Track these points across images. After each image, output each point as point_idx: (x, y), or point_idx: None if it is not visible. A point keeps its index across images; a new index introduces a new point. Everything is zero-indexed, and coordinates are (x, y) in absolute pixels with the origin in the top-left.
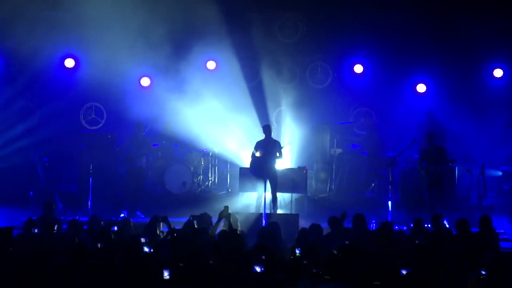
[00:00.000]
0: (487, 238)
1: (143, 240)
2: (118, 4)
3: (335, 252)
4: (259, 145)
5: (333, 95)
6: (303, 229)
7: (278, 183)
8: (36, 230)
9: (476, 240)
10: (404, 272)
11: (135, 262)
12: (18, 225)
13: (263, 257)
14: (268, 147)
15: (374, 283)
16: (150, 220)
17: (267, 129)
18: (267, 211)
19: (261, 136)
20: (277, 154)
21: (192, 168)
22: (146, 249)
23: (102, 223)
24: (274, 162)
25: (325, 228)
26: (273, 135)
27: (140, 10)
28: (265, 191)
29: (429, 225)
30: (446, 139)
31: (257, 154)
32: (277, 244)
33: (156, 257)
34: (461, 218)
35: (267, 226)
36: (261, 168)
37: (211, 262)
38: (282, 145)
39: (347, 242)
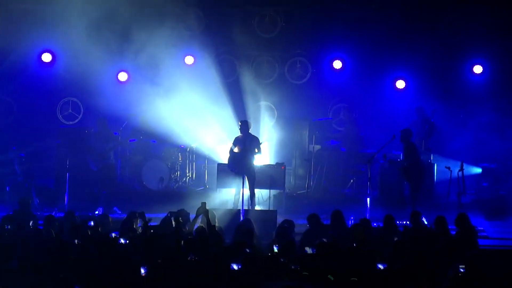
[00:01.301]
0: (465, 235)
1: (113, 235)
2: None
3: (314, 248)
4: (237, 141)
5: (312, 90)
6: (282, 225)
7: (256, 179)
8: (8, 227)
9: (454, 237)
10: (381, 266)
11: (112, 258)
12: None
13: (242, 253)
14: (246, 143)
15: (352, 279)
16: (127, 216)
17: (245, 124)
18: (245, 208)
19: (239, 132)
20: (256, 150)
21: (169, 164)
22: (122, 240)
23: (77, 219)
24: (253, 158)
25: (303, 224)
26: (252, 131)
27: (118, 5)
28: (243, 187)
29: (407, 222)
30: (432, 134)
31: (235, 149)
32: (252, 241)
33: (133, 254)
34: (440, 215)
35: (241, 223)
36: (239, 164)
37: (188, 258)
38: (260, 141)
39: (324, 240)
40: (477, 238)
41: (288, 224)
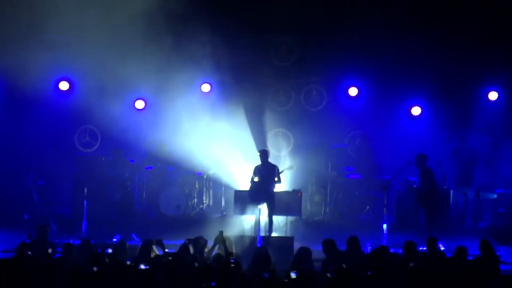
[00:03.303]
0: (488, 262)
1: (128, 262)
2: (113, 27)
3: (331, 275)
4: (257, 170)
5: (328, 118)
6: (299, 252)
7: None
8: (29, 253)
9: (476, 264)
10: None
11: (131, 285)
12: (12, 248)
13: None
14: (266, 172)
15: None
16: (144, 243)
17: (263, 154)
18: (262, 234)
19: (256, 158)
20: (276, 179)
21: (186, 191)
22: (142, 266)
23: (94, 246)
24: (272, 186)
25: (320, 251)
26: (271, 158)
27: (134, 33)
28: (259, 214)
29: (424, 248)
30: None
31: (256, 179)
32: (269, 268)
33: (151, 281)
34: (460, 245)
35: (258, 250)
36: (259, 193)
37: (204, 285)
38: (281, 170)
39: (344, 266)
40: (499, 265)
41: (304, 251)
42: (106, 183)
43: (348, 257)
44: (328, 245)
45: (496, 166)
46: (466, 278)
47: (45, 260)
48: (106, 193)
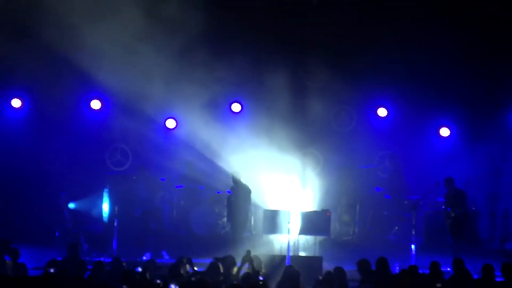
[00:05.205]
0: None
1: (158, 281)
2: (143, 47)
3: None
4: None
5: (357, 138)
6: (328, 272)
7: (302, 226)
8: (52, 270)
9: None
10: None
11: None
12: (42, 266)
13: None
14: (235, 193)
15: None
16: (176, 261)
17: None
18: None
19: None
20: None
21: (216, 210)
22: (172, 286)
23: (124, 265)
24: (240, 205)
25: (349, 270)
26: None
27: (163, 52)
28: (288, 233)
29: (450, 269)
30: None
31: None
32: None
33: None
34: (487, 263)
35: (287, 269)
36: (233, 215)
37: None
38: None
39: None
40: None
41: (336, 271)
42: (131, 200)
43: (377, 277)
44: (363, 265)
45: None
46: None
47: (76, 278)
48: (131, 210)
